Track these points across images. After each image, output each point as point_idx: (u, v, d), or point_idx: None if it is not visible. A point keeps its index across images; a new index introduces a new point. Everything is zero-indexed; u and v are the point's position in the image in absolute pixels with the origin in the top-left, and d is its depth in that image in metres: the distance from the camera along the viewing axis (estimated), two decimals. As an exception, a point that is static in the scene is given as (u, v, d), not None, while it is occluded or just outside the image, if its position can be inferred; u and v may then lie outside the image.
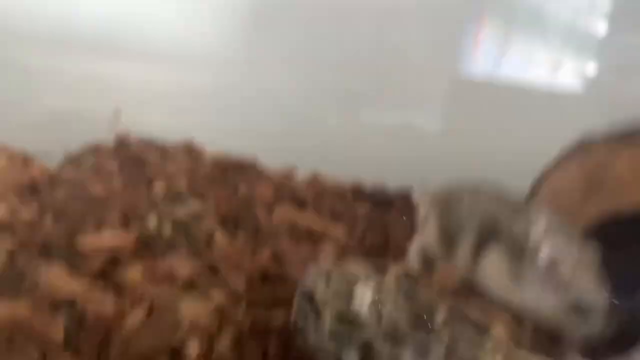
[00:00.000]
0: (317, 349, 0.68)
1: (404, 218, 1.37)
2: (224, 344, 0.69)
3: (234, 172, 1.42)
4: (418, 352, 0.70)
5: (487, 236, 0.94)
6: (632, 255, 0.96)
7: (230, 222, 1.16)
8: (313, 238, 1.20)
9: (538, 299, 0.85)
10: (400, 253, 1.17)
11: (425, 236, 1.07)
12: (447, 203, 1.07)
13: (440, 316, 0.72)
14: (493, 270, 0.90)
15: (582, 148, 1.07)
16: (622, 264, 0.92)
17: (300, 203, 1.32)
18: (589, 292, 0.82)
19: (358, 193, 1.49)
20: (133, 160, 1.36)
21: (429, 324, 0.72)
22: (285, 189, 1.38)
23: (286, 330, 0.76)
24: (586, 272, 0.84)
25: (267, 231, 1.16)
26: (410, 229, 1.27)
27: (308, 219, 1.25)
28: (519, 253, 0.88)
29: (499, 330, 0.72)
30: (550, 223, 0.89)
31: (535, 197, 1.14)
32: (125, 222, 1.02)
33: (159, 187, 1.26)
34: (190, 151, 1.46)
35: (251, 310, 0.79)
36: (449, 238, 1.01)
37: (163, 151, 1.43)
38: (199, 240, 1.02)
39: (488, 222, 0.95)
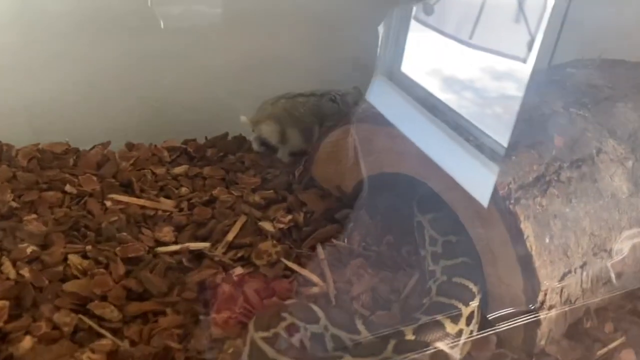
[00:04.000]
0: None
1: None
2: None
3: (51, 165, 1.48)
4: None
5: None
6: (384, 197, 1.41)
7: (73, 231, 1.31)
8: (149, 221, 1.40)
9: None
10: (229, 206, 1.45)
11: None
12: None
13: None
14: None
15: (353, 123, 1.38)
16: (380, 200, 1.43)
17: (126, 185, 1.48)
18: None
19: (173, 151, 1.66)
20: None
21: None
22: (108, 173, 1.50)
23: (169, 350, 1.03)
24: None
25: (109, 230, 1.33)
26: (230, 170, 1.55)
27: (138, 203, 1.43)
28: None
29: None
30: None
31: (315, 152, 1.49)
32: (-18, 277, 1.13)
33: (-14, 208, 1.31)
34: (1, 153, 1.46)
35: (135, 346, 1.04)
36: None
37: (-28, 160, 1.42)
38: (57, 275, 1.17)
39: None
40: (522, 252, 1.07)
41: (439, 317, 1.04)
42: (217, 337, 1.07)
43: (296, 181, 1.58)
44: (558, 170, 1.18)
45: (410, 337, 0.99)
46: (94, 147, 1.57)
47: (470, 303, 1.09)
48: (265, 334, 0.94)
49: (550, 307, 1.10)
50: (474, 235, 1.16)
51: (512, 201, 1.08)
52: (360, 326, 1.02)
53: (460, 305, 1.07)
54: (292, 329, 0.98)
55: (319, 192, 1.52)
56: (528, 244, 1.06)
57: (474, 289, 1.12)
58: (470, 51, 1.86)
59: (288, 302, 1.05)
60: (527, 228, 1.07)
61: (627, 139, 1.35)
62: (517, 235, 1.07)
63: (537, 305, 1.08)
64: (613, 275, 1.27)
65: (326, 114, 1.73)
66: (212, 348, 1.04)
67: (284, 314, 0.99)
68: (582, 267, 1.15)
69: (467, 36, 1.91)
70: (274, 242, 1.33)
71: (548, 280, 1.08)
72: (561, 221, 1.12)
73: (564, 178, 1.17)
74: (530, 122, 1.26)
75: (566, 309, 1.13)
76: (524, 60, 1.78)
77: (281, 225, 1.40)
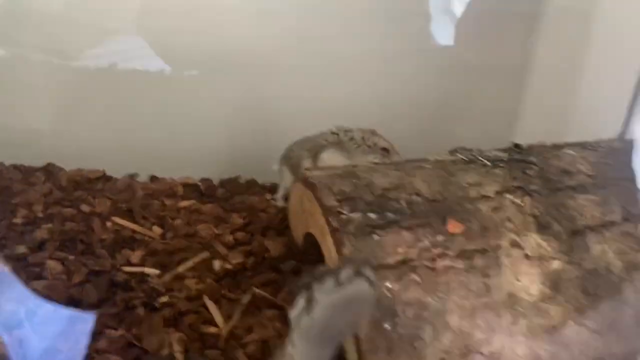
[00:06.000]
0: None
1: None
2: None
3: (84, 187, 1.85)
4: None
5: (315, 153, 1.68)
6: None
7: (69, 241, 1.63)
8: (134, 244, 1.66)
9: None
10: (204, 241, 1.65)
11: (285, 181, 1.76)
12: (289, 157, 1.75)
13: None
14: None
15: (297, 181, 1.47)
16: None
17: (130, 212, 1.77)
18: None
19: (188, 187, 1.91)
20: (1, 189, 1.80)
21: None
22: (123, 199, 1.81)
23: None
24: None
25: (97, 245, 1.62)
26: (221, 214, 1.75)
27: (132, 227, 1.71)
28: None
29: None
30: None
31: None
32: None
33: (20, 215, 1.71)
34: (50, 173, 1.88)
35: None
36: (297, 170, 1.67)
37: (27, 176, 1.86)
38: (33, 274, 1.49)
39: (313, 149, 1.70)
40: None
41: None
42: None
43: (274, 227, 1.71)
44: (436, 257, 1.13)
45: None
46: (123, 177, 1.91)
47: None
48: None
49: (383, 399, 1.06)
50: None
51: (354, 280, 1.08)
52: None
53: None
54: None
55: (285, 241, 1.63)
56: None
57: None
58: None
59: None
60: (361, 310, 1.06)
61: (566, 237, 1.21)
62: (350, 315, 1.07)
63: (365, 393, 1.06)
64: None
65: (321, 147, 1.73)
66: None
67: None
68: (439, 364, 1.08)
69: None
70: (210, 280, 1.48)
71: (379, 368, 1.05)
72: (415, 310, 1.08)
73: (439, 266, 1.12)
74: (438, 204, 1.22)
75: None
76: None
77: (228, 266, 1.54)
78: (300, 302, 0.83)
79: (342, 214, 1.17)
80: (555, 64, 2.06)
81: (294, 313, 0.85)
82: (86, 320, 1.33)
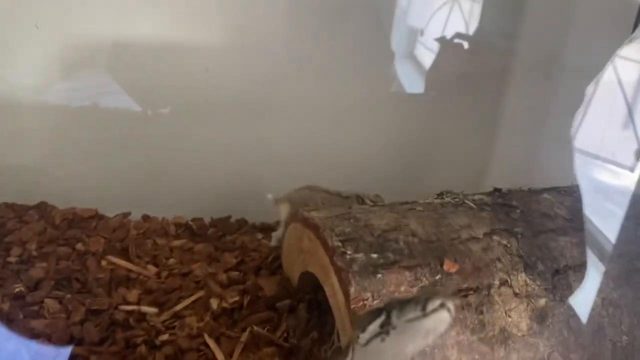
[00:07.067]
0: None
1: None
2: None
3: (78, 225, 1.87)
4: None
5: None
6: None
7: (65, 280, 1.65)
8: (129, 282, 1.69)
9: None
10: (198, 280, 1.69)
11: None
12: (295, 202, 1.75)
13: None
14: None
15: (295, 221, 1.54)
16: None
17: (124, 250, 1.80)
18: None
19: (180, 226, 1.96)
20: (-6, 228, 1.80)
21: None
22: (117, 238, 1.84)
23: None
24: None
25: (93, 284, 1.64)
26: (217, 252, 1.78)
27: (126, 266, 1.74)
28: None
29: None
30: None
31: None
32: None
33: (14, 253, 1.72)
34: (43, 211, 1.90)
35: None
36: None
37: (21, 215, 1.87)
38: (32, 313, 1.50)
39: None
40: (362, 369, 1.13)
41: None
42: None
43: (267, 267, 1.76)
44: (434, 295, 1.21)
45: None
46: (116, 216, 1.94)
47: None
48: None
49: None
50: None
51: (361, 317, 1.15)
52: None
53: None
54: None
55: (279, 280, 1.68)
56: (367, 361, 1.12)
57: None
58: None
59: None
60: (368, 345, 1.13)
61: (550, 276, 1.31)
62: (359, 350, 1.13)
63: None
64: None
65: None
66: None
67: None
68: (439, 396, 1.15)
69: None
70: (209, 319, 1.52)
71: (384, 401, 1.12)
72: (418, 345, 1.15)
73: (437, 304, 1.20)
74: (433, 244, 1.31)
75: None
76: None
77: (225, 305, 1.59)
78: (373, 326, 0.87)
79: (347, 254, 1.25)
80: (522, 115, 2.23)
81: (364, 337, 0.87)
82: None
